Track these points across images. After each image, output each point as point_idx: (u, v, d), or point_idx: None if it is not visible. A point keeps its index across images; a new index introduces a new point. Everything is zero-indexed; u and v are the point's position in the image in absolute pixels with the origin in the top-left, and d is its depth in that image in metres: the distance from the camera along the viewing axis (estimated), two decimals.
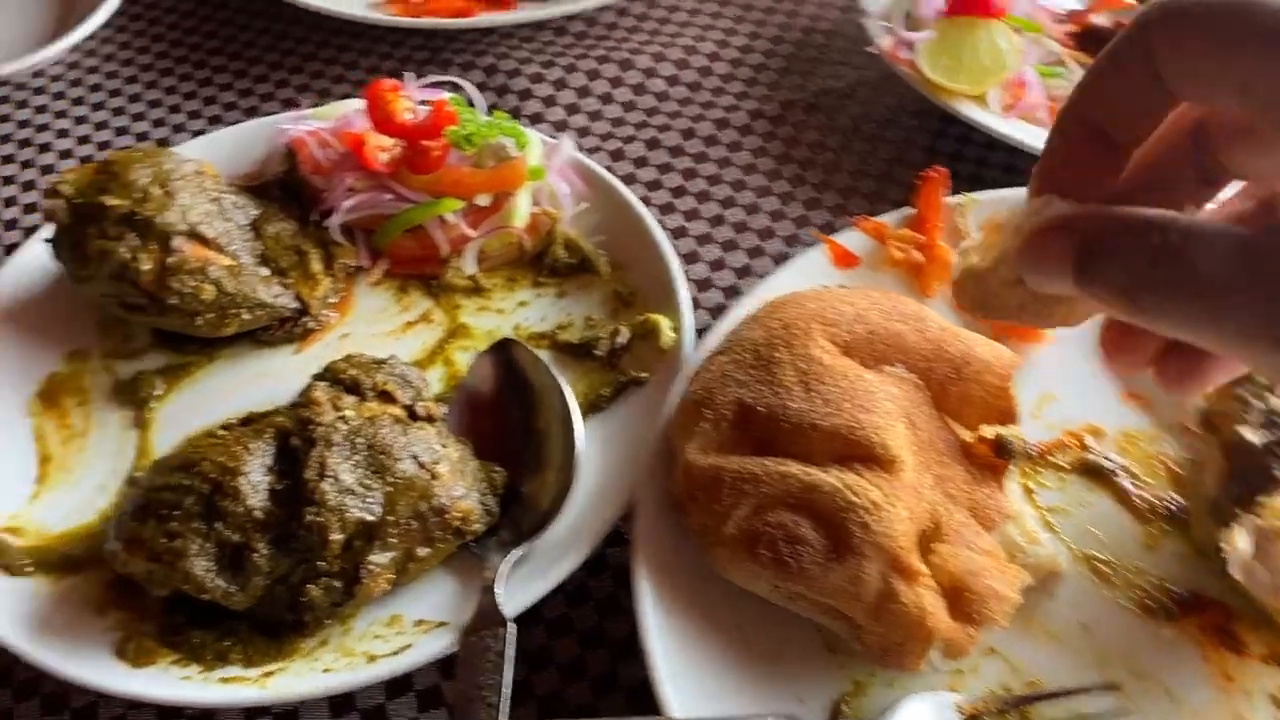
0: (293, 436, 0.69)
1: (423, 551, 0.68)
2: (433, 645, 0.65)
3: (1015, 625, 0.66)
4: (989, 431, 0.71)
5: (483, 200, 0.87)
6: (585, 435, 0.74)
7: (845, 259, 0.82)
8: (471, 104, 0.92)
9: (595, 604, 0.72)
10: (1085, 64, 1.01)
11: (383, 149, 0.86)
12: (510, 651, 0.64)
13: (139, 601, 0.69)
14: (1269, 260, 0.35)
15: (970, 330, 0.73)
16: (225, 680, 0.65)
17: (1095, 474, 0.74)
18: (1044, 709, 0.63)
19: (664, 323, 0.80)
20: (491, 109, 1.02)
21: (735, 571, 0.65)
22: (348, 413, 0.69)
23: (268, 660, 0.66)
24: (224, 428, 0.72)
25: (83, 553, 0.72)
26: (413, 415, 0.72)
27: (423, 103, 0.90)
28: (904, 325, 0.71)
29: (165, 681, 0.65)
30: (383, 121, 0.87)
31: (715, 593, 0.67)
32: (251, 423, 0.71)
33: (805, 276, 0.80)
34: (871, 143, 1.00)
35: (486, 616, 0.66)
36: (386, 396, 0.72)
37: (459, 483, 0.69)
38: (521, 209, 0.87)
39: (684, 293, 0.81)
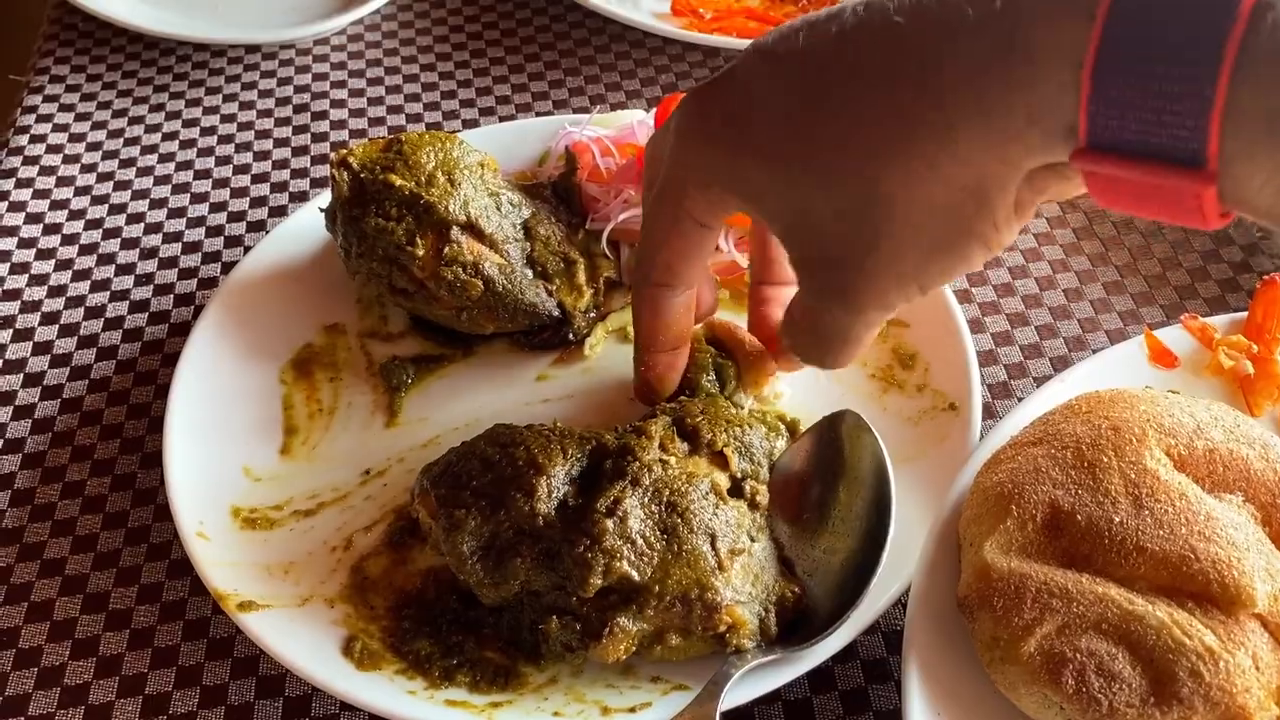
0: (609, 460, 0.64)
1: (674, 640, 0.61)
2: (671, 708, 0.60)
3: None
4: None
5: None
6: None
7: (1164, 358, 0.73)
8: None
9: (841, 695, 0.65)
10: None
11: None
12: None
13: (368, 598, 0.67)
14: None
15: None
16: (451, 703, 0.61)
17: None
18: None
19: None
20: None
21: (1026, 695, 0.58)
22: (670, 460, 0.64)
23: (495, 689, 0.62)
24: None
25: None
26: (736, 491, 0.65)
27: None
28: (1250, 450, 0.62)
29: (390, 691, 0.61)
30: None
31: (994, 715, 0.59)
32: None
33: (1117, 370, 0.72)
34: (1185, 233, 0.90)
35: (702, 699, 0.59)
36: (720, 459, 0.66)
37: (746, 586, 0.62)
38: None
39: (974, 365, 0.74)
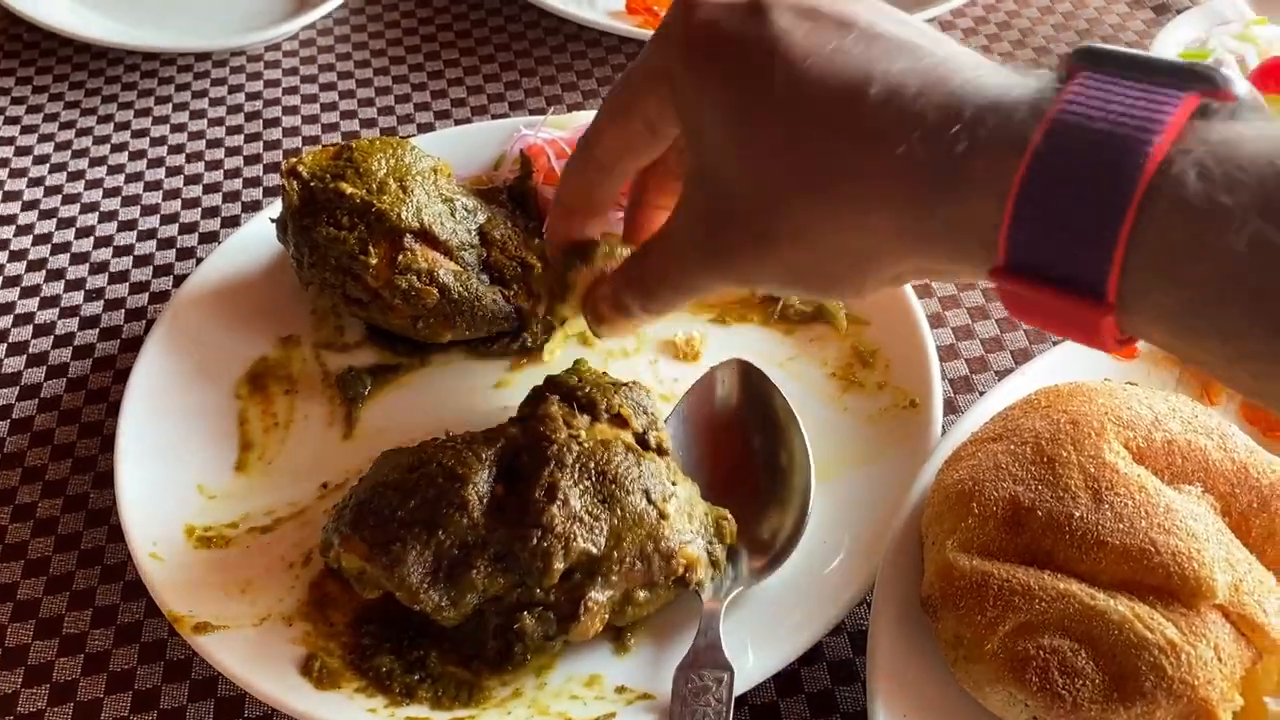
0: (523, 451, 0.64)
1: (642, 595, 0.63)
2: (636, 718, 0.59)
3: None
4: None
5: None
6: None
7: (1126, 349, 0.73)
8: None
9: (808, 698, 0.64)
10: None
11: None
12: (731, 699, 0.58)
13: (327, 614, 0.66)
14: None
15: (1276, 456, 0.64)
16: None
17: None
18: None
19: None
20: None
21: (991, 694, 0.58)
22: (580, 433, 0.65)
23: (457, 705, 0.61)
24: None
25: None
26: (644, 444, 0.67)
27: None
28: (1208, 440, 0.62)
29: (349, 710, 0.60)
30: None
31: (961, 714, 0.59)
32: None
33: (1077, 363, 0.72)
34: None
35: (707, 655, 0.60)
36: (620, 420, 0.67)
37: (686, 526, 0.64)
38: None
39: (935, 362, 0.74)
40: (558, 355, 0.80)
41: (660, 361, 0.79)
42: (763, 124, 0.46)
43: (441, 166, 0.81)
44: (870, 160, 0.43)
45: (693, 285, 0.55)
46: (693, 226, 0.52)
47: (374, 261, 0.74)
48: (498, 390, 0.78)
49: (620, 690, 0.62)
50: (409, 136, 0.92)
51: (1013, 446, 0.62)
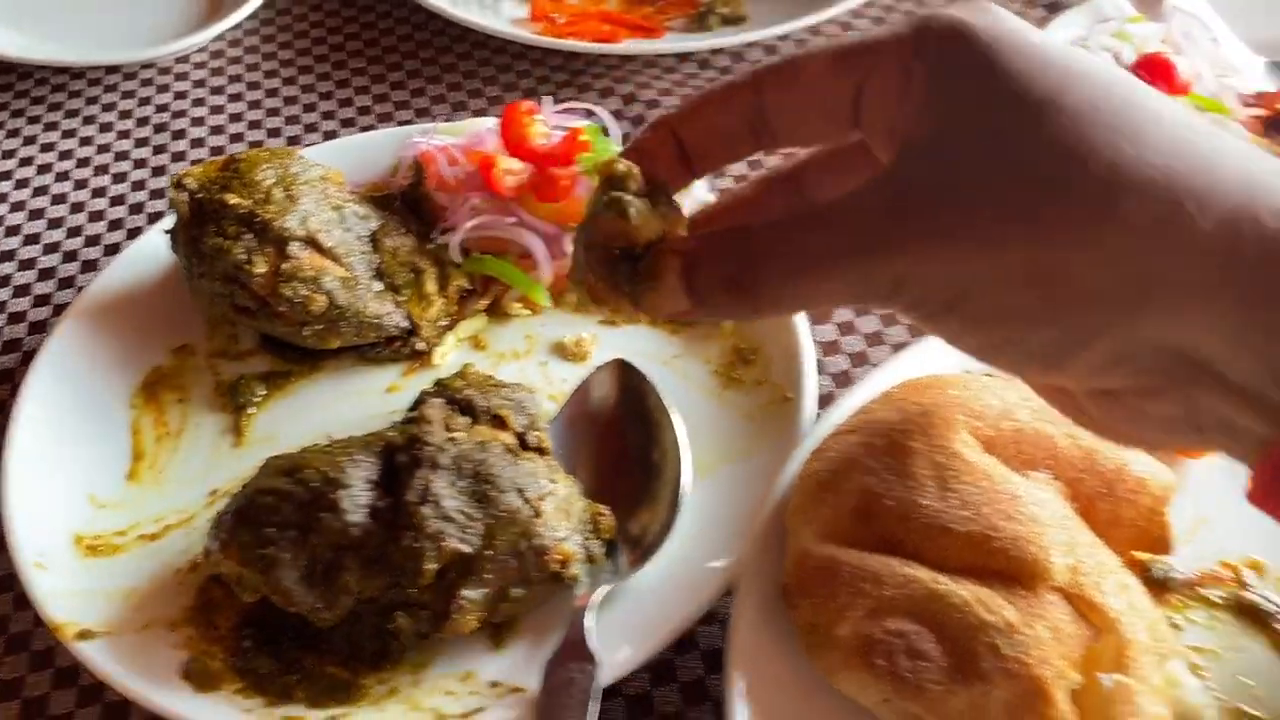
0: (400, 454, 0.66)
1: (517, 592, 0.64)
2: (506, 713, 0.61)
3: None
4: (1140, 558, 0.64)
5: None
6: (692, 482, 0.70)
7: None
8: (607, 133, 0.88)
9: (680, 686, 0.66)
10: (1276, 154, 0.92)
11: (512, 173, 0.83)
12: (597, 690, 0.60)
13: (212, 619, 0.67)
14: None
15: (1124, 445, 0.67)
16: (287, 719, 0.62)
17: (1252, 615, 0.66)
18: None
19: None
20: (625, 138, 0.98)
21: (845, 679, 0.59)
22: (458, 435, 0.66)
23: (333, 703, 0.63)
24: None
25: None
26: (524, 444, 0.69)
27: (556, 128, 0.87)
28: (1055, 429, 0.65)
29: (227, 712, 0.62)
30: (515, 144, 0.84)
31: (818, 699, 0.61)
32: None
33: (940, 356, 0.74)
34: None
35: (574, 649, 0.62)
36: (499, 421, 0.69)
37: (563, 522, 0.66)
38: None
39: (809, 357, 0.76)
40: (449, 359, 0.81)
41: (551, 363, 0.81)
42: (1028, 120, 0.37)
43: (332, 175, 0.83)
44: (1191, 271, 0.36)
45: (861, 277, 0.40)
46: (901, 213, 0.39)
47: (259, 270, 0.75)
48: (389, 395, 0.79)
49: (494, 685, 0.63)
50: (310, 145, 0.94)
51: (867, 438, 0.64)
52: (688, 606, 0.64)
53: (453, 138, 0.88)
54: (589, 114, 0.92)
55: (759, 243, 0.40)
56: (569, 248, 0.83)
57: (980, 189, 0.37)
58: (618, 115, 1.01)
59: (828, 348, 0.83)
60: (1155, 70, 0.88)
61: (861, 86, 0.41)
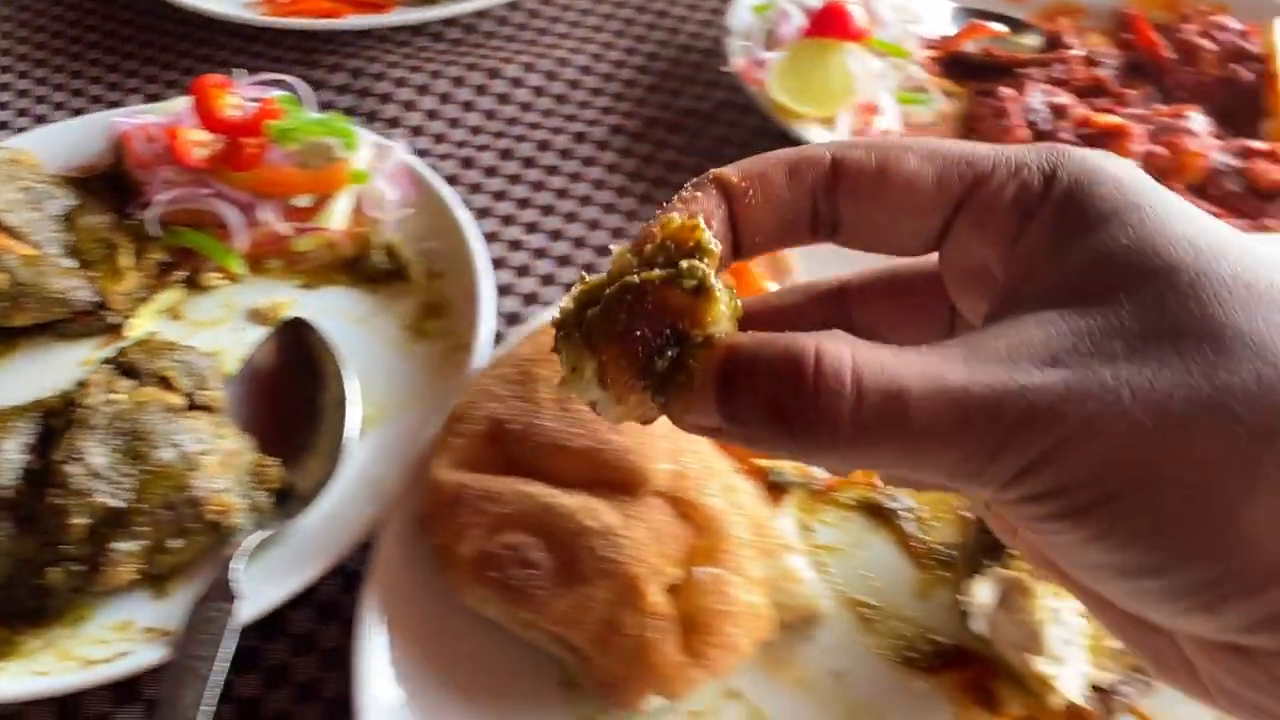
0: (55, 418, 0.67)
1: (175, 543, 0.66)
2: (150, 654, 0.63)
3: (765, 669, 0.64)
4: (760, 465, 0.69)
5: (304, 201, 0.86)
6: (359, 432, 0.73)
7: None
8: (300, 102, 0.90)
9: (345, 623, 0.68)
10: (951, 92, 0.98)
11: (199, 144, 0.84)
12: (233, 627, 0.62)
13: None
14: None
15: None
16: None
17: (879, 514, 0.71)
18: None
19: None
20: (348, 111, 1.01)
21: (469, 595, 0.63)
22: (118, 397, 0.68)
23: None
24: None
25: None
26: (193, 404, 0.71)
27: (252, 100, 0.88)
28: None
29: None
30: (206, 116, 0.85)
31: (456, 619, 0.64)
32: None
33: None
34: (727, 164, 0.97)
35: (219, 589, 0.64)
36: (165, 383, 0.71)
37: (225, 475, 0.68)
38: (339, 211, 0.85)
39: (487, 306, 0.79)
40: (144, 330, 0.82)
41: (247, 329, 0.83)
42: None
43: (23, 158, 0.84)
44: None
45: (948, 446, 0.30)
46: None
47: None
48: (83, 369, 0.80)
49: (148, 631, 0.65)
50: (23, 130, 0.94)
51: (502, 370, 0.68)
52: (339, 546, 0.67)
53: (155, 116, 0.90)
54: (282, 85, 0.93)
55: (829, 376, 0.30)
56: (265, 216, 0.85)
57: (1180, 392, 0.29)
58: (344, 89, 1.03)
59: (502, 290, 0.85)
60: (831, 19, 0.93)
61: (961, 207, 0.35)
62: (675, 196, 0.36)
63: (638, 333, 0.32)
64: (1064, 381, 0.29)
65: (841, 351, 0.30)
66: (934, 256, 0.37)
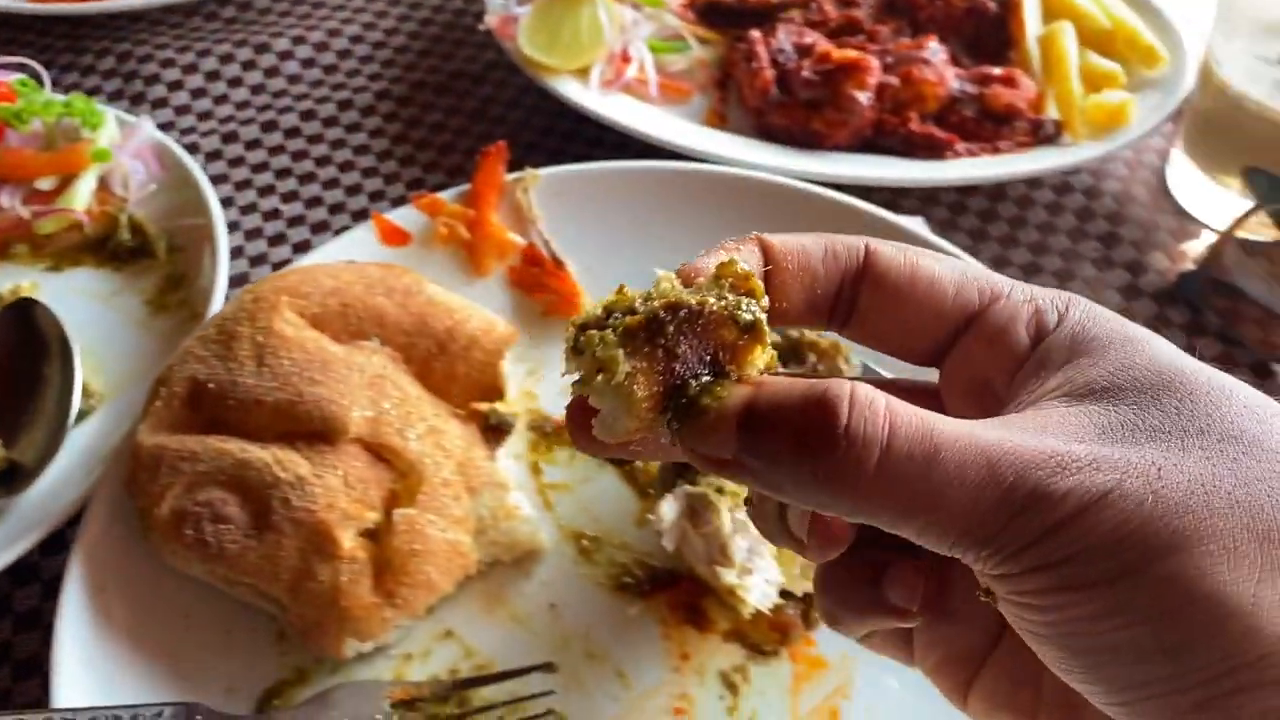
0: None
1: None
2: None
3: (481, 608, 0.64)
4: (479, 408, 0.69)
5: (46, 183, 0.84)
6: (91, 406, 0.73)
7: (393, 236, 0.79)
8: (42, 85, 0.89)
9: (15, 616, 0.68)
10: (707, 39, 0.99)
11: None
12: None
13: None
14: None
15: (473, 304, 0.72)
16: None
17: None
18: (485, 692, 0.61)
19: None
20: (116, 94, 0.99)
21: (170, 555, 0.62)
22: None
23: None
24: None
25: None
26: None
27: None
28: (386, 299, 0.69)
29: None
30: None
31: (171, 582, 0.63)
32: None
33: (349, 255, 0.77)
34: (492, 124, 0.97)
35: None
36: None
37: None
38: (82, 191, 0.84)
39: (222, 275, 0.78)
40: None
41: None
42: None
43: None
44: None
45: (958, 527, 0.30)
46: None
47: None
48: None
49: None
50: None
51: (204, 332, 0.67)
52: (55, 517, 0.66)
53: None
54: (23, 69, 0.92)
55: (863, 407, 0.30)
56: (4, 200, 0.83)
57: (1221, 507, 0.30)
58: (112, 74, 1.02)
59: (234, 253, 0.85)
60: None
61: (973, 321, 0.36)
62: (718, 245, 0.36)
63: (680, 349, 0.32)
64: (1098, 452, 0.30)
65: (875, 393, 0.30)
66: (928, 377, 0.39)
